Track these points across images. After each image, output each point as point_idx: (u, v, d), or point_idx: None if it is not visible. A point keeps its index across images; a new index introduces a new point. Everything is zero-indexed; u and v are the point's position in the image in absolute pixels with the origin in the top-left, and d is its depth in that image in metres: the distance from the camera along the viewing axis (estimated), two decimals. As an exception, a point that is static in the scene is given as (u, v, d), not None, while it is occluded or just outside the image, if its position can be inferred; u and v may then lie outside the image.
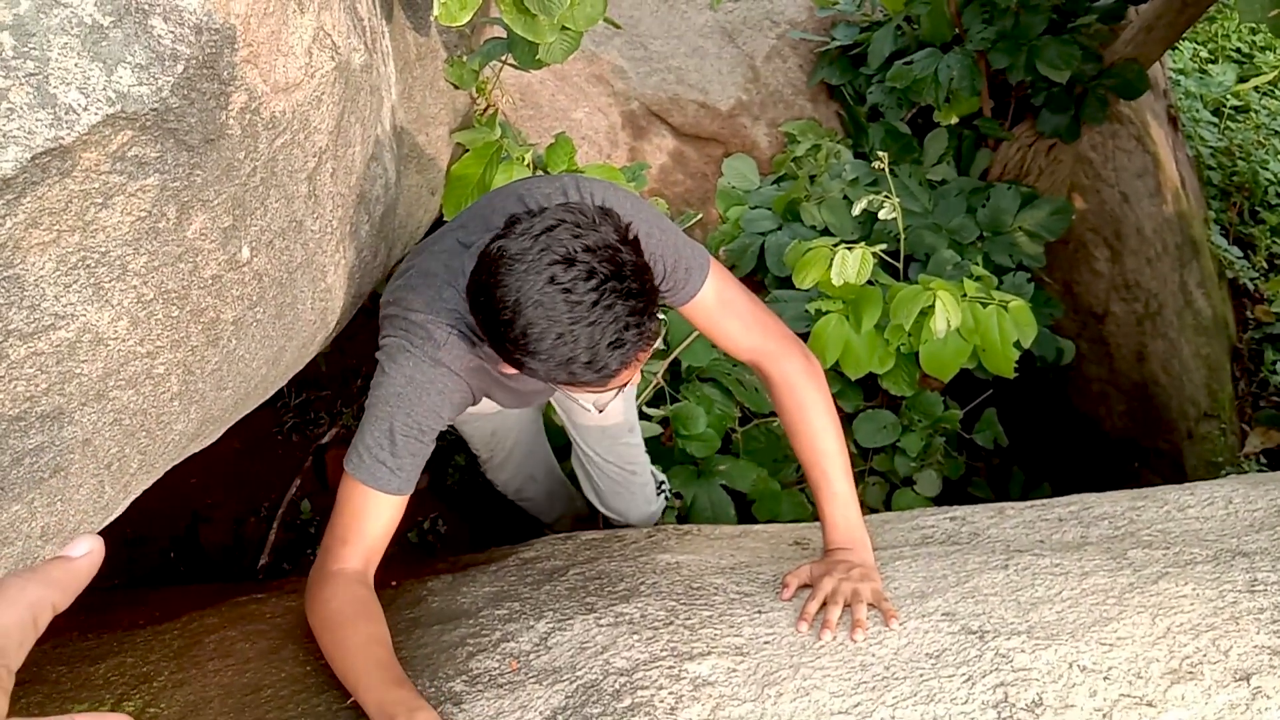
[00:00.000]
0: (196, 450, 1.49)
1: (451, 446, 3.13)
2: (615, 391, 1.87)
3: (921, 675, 1.36)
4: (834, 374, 3.24)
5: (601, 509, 2.45)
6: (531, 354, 1.23)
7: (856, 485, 3.21)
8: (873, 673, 1.37)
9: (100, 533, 2.71)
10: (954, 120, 3.81)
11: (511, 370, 1.53)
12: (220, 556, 2.89)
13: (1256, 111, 5.72)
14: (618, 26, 2.78)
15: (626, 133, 3.73)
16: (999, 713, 1.29)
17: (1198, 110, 5.47)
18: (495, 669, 1.43)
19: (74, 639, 1.65)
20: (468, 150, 2.61)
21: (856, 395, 3.28)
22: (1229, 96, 5.85)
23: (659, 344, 2.31)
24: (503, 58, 2.48)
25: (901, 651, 1.41)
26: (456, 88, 2.54)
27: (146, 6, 0.80)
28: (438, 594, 1.69)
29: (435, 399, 1.43)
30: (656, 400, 2.97)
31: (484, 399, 1.76)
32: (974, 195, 3.60)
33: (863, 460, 3.29)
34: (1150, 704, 1.32)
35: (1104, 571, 1.62)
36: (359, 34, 1.31)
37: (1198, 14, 3.54)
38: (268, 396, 1.50)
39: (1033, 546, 1.76)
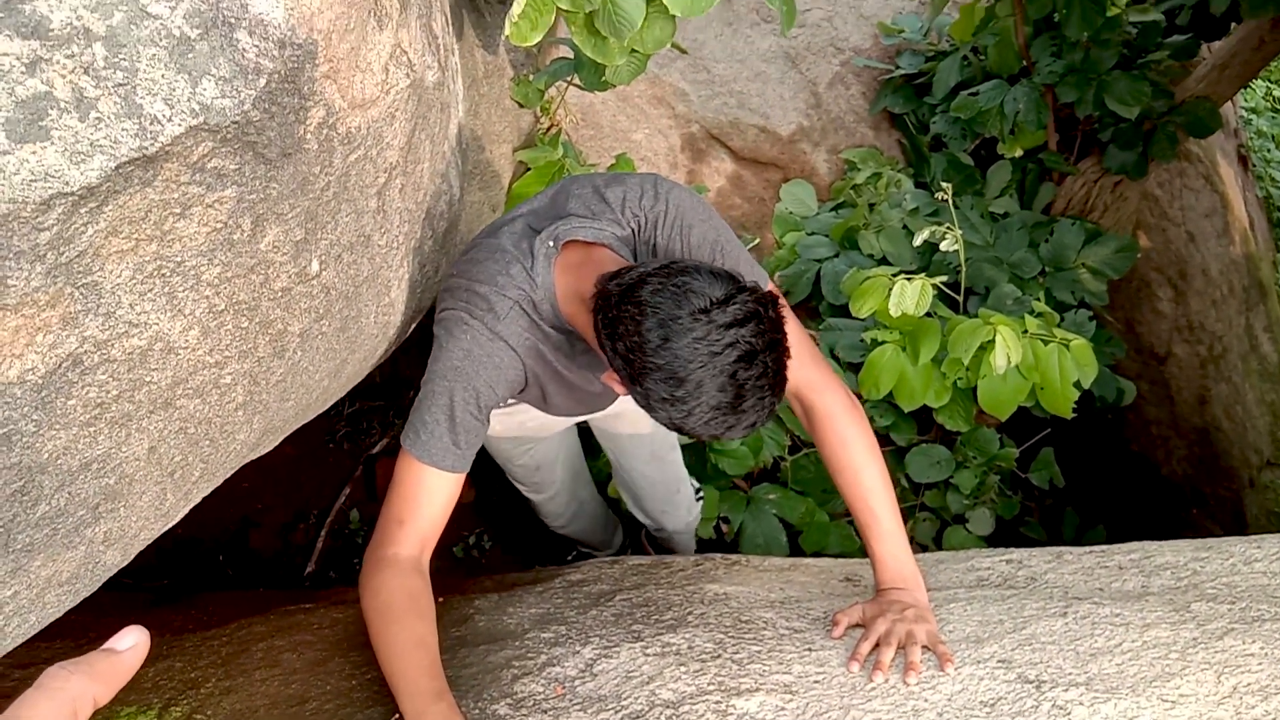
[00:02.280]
0: (253, 458, 1.50)
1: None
2: None
3: (976, 724, 1.33)
4: (888, 405, 3.21)
5: (646, 521, 2.45)
6: (676, 410, 1.26)
7: (907, 521, 3.19)
8: (925, 718, 1.33)
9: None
10: (1018, 153, 3.76)
11: (563, 371, 1.54)
12: (269, 562, 2.92)
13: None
14: (683, 51, 2.78)
15: (686, 155, 3.74)
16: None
17: (1270, 150, 5.35)
18: (540, 693, 1.41)
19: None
20: (529, 169, 2.62)
21: (910, 428, 3.23)
22: (1301, 137, 5.72)
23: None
24: (568, 78, 2.49)
25: (955, 698, 1.38)
26: (521, 106, 2.56)
27: (233, 20, 0.81)
28: (484, 613, 1.69)
29: (492, 373, 1.43)
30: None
31: (528, 407, 1.76)
32: (1036, 230, 3.55)
33: (914, 495, 3.23)
34: (1216, 768, 1.27)
35: (1166, 624, 1.57)
36: (433, 51, 1.32)
37: (1274, 52, 3.46)
38: (327, 407, 1.51)
39: (1092, 594, 1.71)
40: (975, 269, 3.39)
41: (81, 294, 0.79)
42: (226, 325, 0.98)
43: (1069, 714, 1.34)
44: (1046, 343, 2.81)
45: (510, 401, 1.86)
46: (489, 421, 1.47)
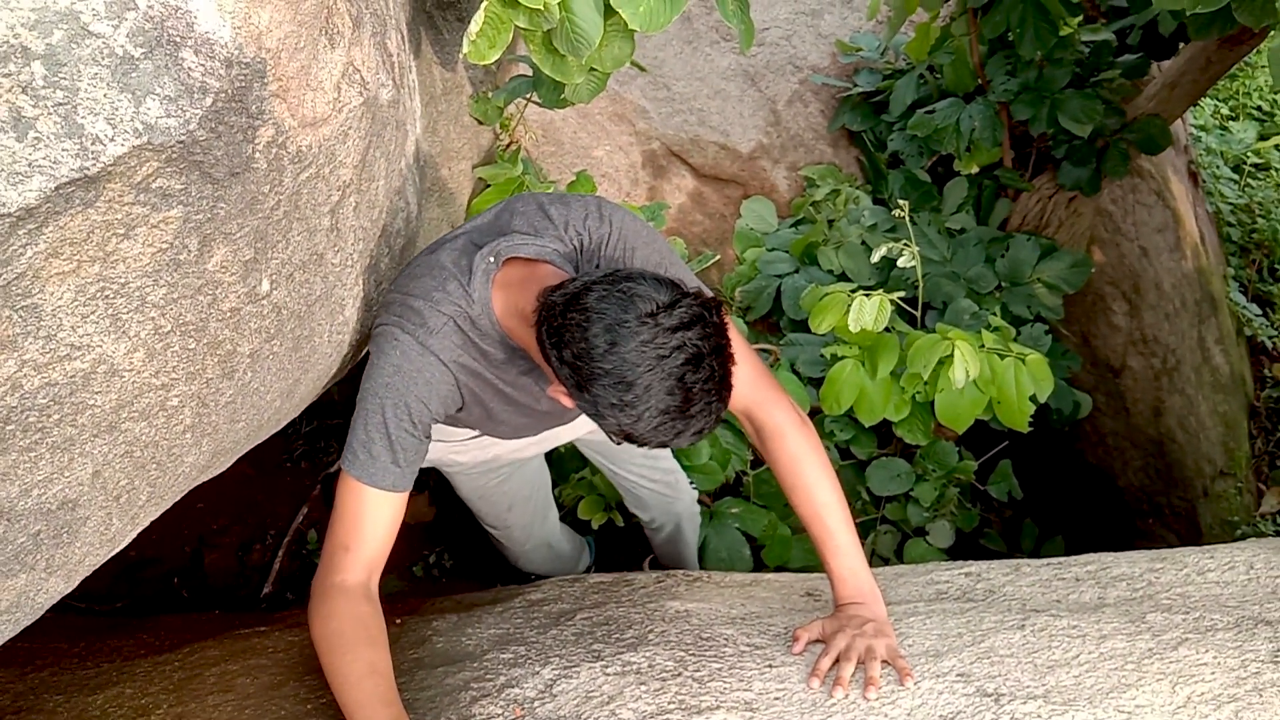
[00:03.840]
0: (205, 480, 1.48)
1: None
2: None
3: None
4: (848, 420, 3.22)
5: (654, 517, 2.51)
6: (625, 415, 1.25)
7: (868, 534, 3.20)
8: (884, 738, 1.34)
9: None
10: (974, 170, 3.81)
11: (504, 388, 1.53)
12: (224, 583, 2.87)
13: (1277, 169, 5.71)
14: (643, 69, 2.79)
15: (647, 172, 3.74)
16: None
17: (1218, 167, 5.47)
18: (498, 715, 1.40)
19: (73, 667, 1.63)
20: (489, 185, 2.61)
21: (870, 442, 3.25)
22: (1250, 154, 5.85)
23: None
24: (527, 95, 2.49)
25: (915, 712, 1.38)
26: (480, 123, 2.55)
27: (178, 39, 0.80)
28: (442, 634, 1.67)
29: (423, 389, 1.41)
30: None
31: (479, 433, 1.74)
32: (993, 245, 3.59)
33: (875, 508, 3.25)
34: (1171, 778, 1.28)
35: (1122, 635, 1.58)
36: (387, 70, 1.31)
37: (1221, 71, 3.54)
38: (280, 427, 1.49)
39: (1049, 606, 1.72)
40: (933, 284, 3.43)
41: (20, 316, 0.77)
42: (173, 347, 0.96)
43: (1027, 727, 1.35)
44: (1003, 357, 2.84)
45: (469, 434, 1.85)
46: (429, 436, 1.46)
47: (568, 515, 2.83)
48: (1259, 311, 5.22)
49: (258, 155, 0.95)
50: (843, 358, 2.94)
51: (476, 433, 1.78)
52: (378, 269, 1.60)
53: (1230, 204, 5.35)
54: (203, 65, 0.83)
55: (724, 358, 1.30)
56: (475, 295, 1.44)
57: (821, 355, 3.09)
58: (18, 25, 0.70)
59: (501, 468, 2.06)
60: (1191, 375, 4.36)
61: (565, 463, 2.92)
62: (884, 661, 1.46)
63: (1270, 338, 5.20)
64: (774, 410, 1.62)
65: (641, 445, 1.33)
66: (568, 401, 1.36)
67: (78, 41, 0.74)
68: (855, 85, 3.97)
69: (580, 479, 2.85)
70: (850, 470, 3.27)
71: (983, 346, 2.84)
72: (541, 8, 1.69)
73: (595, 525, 2.82)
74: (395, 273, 1.82)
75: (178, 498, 1.24)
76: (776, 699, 1.40)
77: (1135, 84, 3.81)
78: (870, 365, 2.93)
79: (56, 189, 0.74)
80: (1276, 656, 1.53)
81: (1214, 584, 1.84)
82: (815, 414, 3.13)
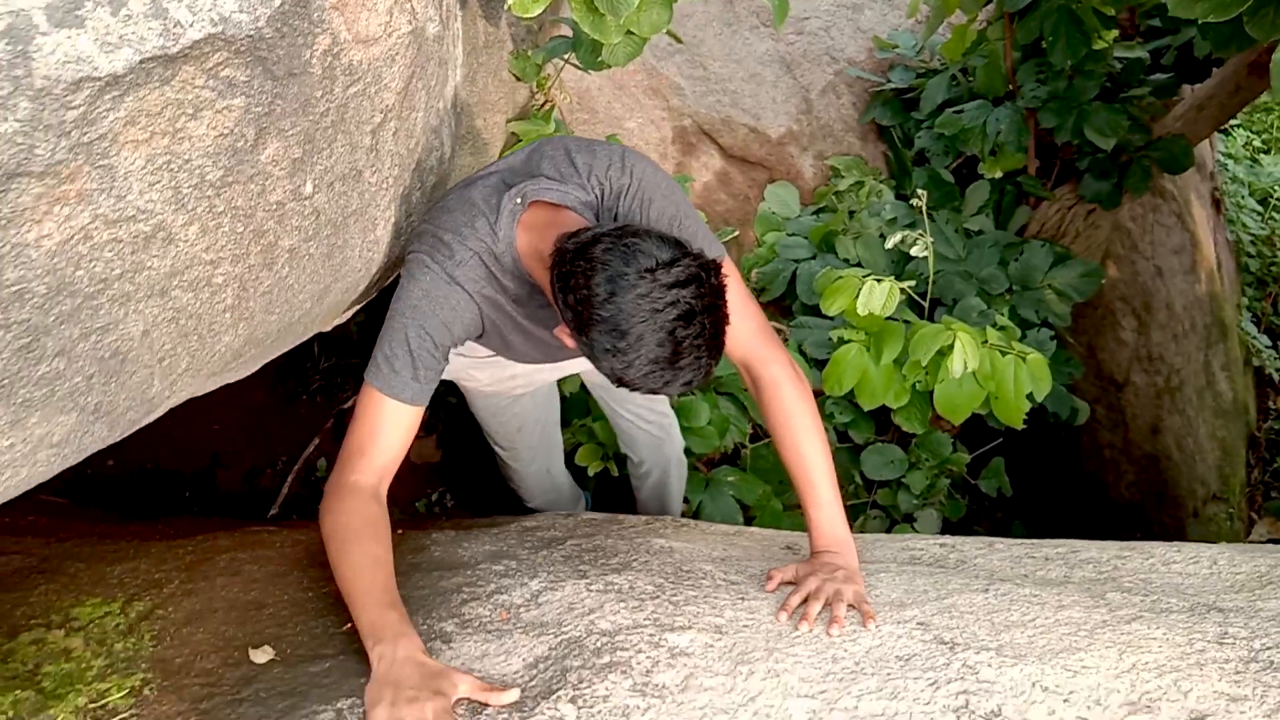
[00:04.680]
0: (233, 379, 1.58)
1: (464, 425, 3.22)
2: None
3: (889, 674, 1.42)
4: (848, 403, 3.31)
5: (644, 457, 2.60)
6: (618, 360, 1.35)
7: (858, 517, 3.28)
8: (842, 665, 1.43)
9: (121, 459, 2.77)
10: (998, 174, 3.87)
11: (521, 320, 1.63)
12: (233, 502, 2.99)
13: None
14: (679, 41, 2.87)
15: (676, 147, 3.83)
16: (958, 716, 1.35)
17: (1243, 196, 5.50)
18: (486, 616, 1.50)
19: (94, 542, 1.74)
20: (520, 140, 2.70)
21: (868, 427, 3.34)
22: (1277, 187, 5.88)
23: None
24: (566, 56, 2.58)
25: (873, 651, 1.47)
26: (518, 79, 2.64)
27: None
28: (440, 545, 1.77)
29: (448, 314, 1.51)
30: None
31: (498, 356, 1.84)
32: (1008, 249, 3.66)
33: (867, 492, 3.34)
34: (1108, 731, 1.37)
35: (1080, 607, 1.67)
36: (436, 6, 1.41)
37: (1250, 98, 3.59)
38: (307, 336, 1.59)
39: (1016, 577, 1.81)
40: (945, 281, 3.50)
41: (98, 174, 0.87)
42: (224, 227, 1.06)
43: (977, 673, 1.44)
44: (1005, 354, 2.92)
45: (488, 354, 1.94)
46: (447, 359, 1.55)
47: (568, 462, 2.93)
48: (1269, 343, 5.27)
49: (314, 61, 1.05)
50: (848, 341, 3.03)
51: (493, 353, 1.88)
52: (409, 199, 1.70)
53: (1251, 235, 5.39)
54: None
55: (717, 317, 1.38)
56: (501, 234, 1.54)
57: (829, 338, 3.17)
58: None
59: (516, 388, 2.16)
60: (1194, 397, 4.42)
61: (570, 409, 3.02)
62: (850, 605, 1.55)
63: (1278, 369, 5.25)
64: (772, 365, 1.71)
65: (632, 390, 1.42)
66: (570, 342, 1.46)
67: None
68: (889, 81, 4.03)
69: (582, 426, 2.95)
70: (845, 454, 3.36)
71: (985, 342, 2.92)
72: (586, -34, 1.78)
73: (592, 472, 2.92)
74: (425, 208, 1.91)
75: (209, 380, 1.34)
76: (745, 626, 1.50)
77: (1164, 103, 3.86)
78: (875, 350, 3.01)
79: (140, 62, 0.84)
80: (1223, 639, 1.61)
81: (1177, 574, 1.92)
82: (818, 395, 3.21)
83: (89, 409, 1.02)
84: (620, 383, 1.40)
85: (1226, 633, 1.63)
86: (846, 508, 1.74)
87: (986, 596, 1.68)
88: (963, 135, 3.63)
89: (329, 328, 2.01)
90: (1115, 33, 3.73)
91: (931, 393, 2.98)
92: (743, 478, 3.13)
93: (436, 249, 1.51)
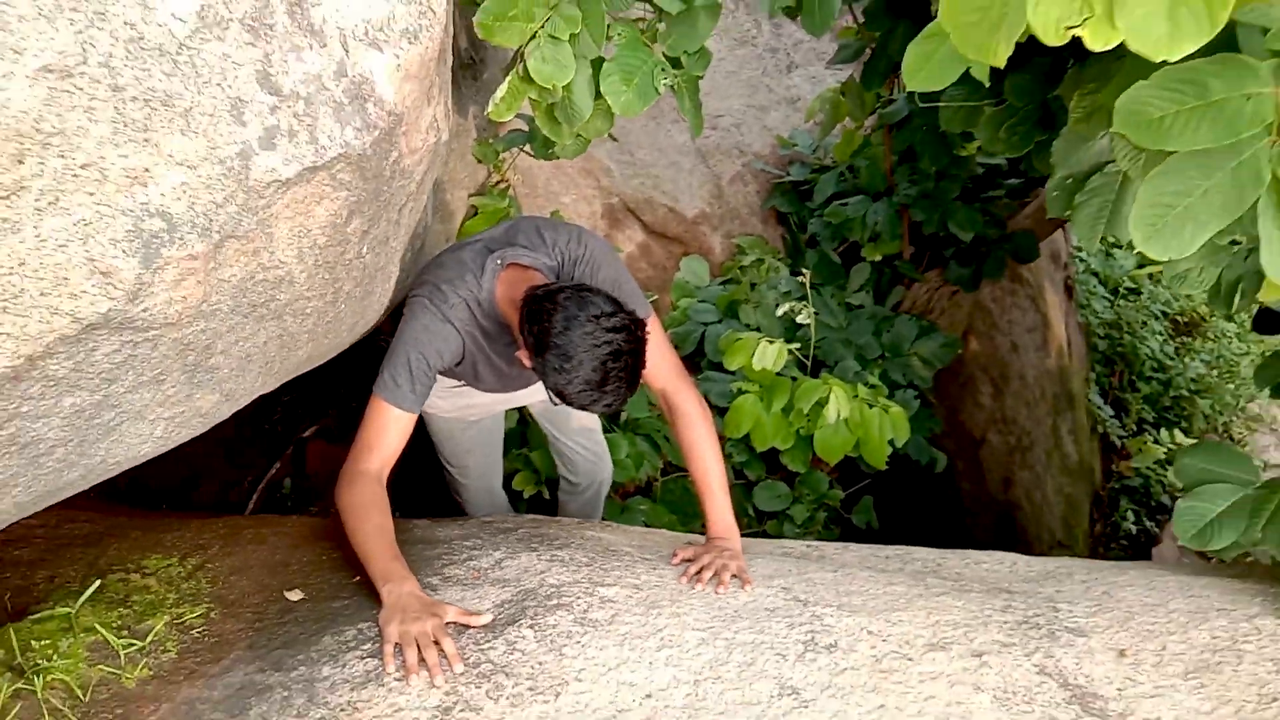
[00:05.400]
0: (293, 375, 2.04)
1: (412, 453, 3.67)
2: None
3: (758, 619, 1.95)
4: (744, 446, 3.87)
5: (574, 478, 3.08)
6: (561, 378, 1.84)
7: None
8: (725, 611, 1.96)
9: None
10: (878, 258, 4.54)
11: (490, 354, 2.13)
12: (207, 511, 3.38)
13: (1145, 295, 6.59)
14: (614, 139, 3.46)
15: (605, 221, 4.40)
16: (805, 646, 1.89)
17: (1095, 285, 6.33)
18: (461, 575, 1.99)
19: (139, 518, 2.18)
20: (478, 212, 3.24)
21: (760, 467, 3.90)
22: (1126, 278, 6.74)
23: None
24: (521, 146, 3.13)
25: (748, 604, 2.00)
26: (479, 162, 3.19)
27: (367, 95, 1.41)
28: (420, 529, 2.25)
29: (440, 344, 2.00)
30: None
31: (465, 387, 2.35)
32: (883, 322, 4.31)
33: (757, 523, 3.89)
34: (909, 659, 1.92)
35: (904, 585, 2.23)
36: (445, 119, 1.93)
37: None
38: (338, 351, 2.06)
39: (860, 566, 2.37)
40: (828, 346, 4.12)
41: (264, 238, 1.35)
42: (319, 276, 1.54)
43: (822, 620, 1.98)
44: (871, 406, 3.53)
45: (455, 384, 2.44)
46: (435, 379, 2.04)
47: (505, 486, 3.41)
48: (1113, 414, 6.04)
49: (387, 168, 1.56)
50: (745, 392, 3.61)
51: (461, 383, 2.38)
52: (404, 259, 2.20)
53: (1100, 319, 6.20)
54: (376, 112, 1.43)
55: (638, 361, 1.89)
56: (484, 286, 2.05)
57: (730, 390, 3.74)
58: (296, 82, 1.30)
59: (470, 415, 2.64)
60: (1042, 456, 5.12)
61: (508, 441, 3.50)
62: (734, 575, 2.08)
63: (1120, 437, 6.02)
64: (684, 397, 2.25)
65: (568, 405, 1.92)
66: (527, 362, 1.96)
67: (320, 92, 1.34)
68: (788, 174, 4.70)
69: (519, 455, 3.45)
70: (740, 490, 3.91)
71: (856, 396, 3.53)
72: (552, 88, 2.34)
73: (526, 495, 3.41)
74: (411, 266, 2.42)
75: (281, 380, 1.80)
76: (656, 585, 2.02)
77: (1018, 203, 4.60)
78: (767, 401, 3.59)
79: (300, 171, 1.33)
80: (1005, 609, 2.18)
81: (984, 570, 2.51)
82: (720, 438, 3.77)
83: (224, 392, 1.48)
84: (561, 397, 1.90)
85: (1010, 605, 2.21)
86: (741, 535, 2.27)
87: (835, 575, 2.23)
88: (847, 224, 4.29)
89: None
90: (976, 144, 4.47)
91: (812, 437, 3.56)
92: (653, 507, 3.65)
93: (434, 295, 2.02)
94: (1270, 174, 1.50)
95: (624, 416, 3.71)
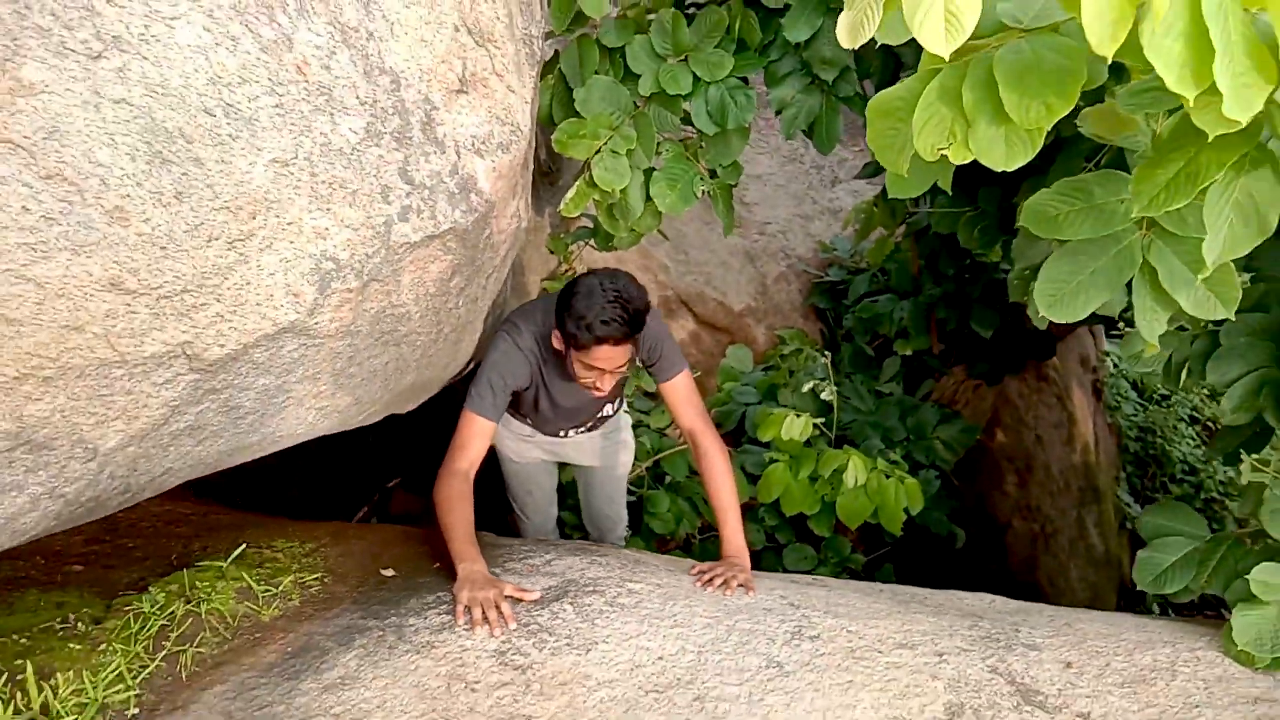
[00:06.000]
0: (386, 414, 2.59)
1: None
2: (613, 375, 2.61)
3: (755, 614, 2.40)
4: (774, 511, 4.31)
5: (592, 532, 3.53)
6: (581, 321, 2.28)
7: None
8: (728, 607, 2.41)
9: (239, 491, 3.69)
10: (908, 352, 5.01)
11: (548, 379, 2.62)
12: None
13: (1175, 400, 6.90)
14: (666, 237, 4.04)
15: (660, 311, 4.97)
16: (792, 635, 2.32)
17: (1127, 390, 6.67)
18: (518, 568, 2.48)
19: (237, 515, 2.72)
20: (548, 292, 3.82)
21: (789, 532, 4.33)
22: (1159, 386, 7.06)
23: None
24: (587, 240, 3.73)
25: (748, 604, 2.45)
26: (551, 253, 3.79)
27: (471, 186, 1.98)
28: (488, 538, 2.76)
29: (515, 367, 2.52)
30: (640, 483, 4.06)
31: (530, 431, 2.87)
32: (909, 408, 4.75)
33: (787, 583, 4.28)
34: (879, 651, 2.34)
35: (887, 605, 2.65)
36: (526, 211, 2.51)
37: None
38: (429, 394, 2.60)
39: (852, 590, 2.80)
40: (858, 428, 4.57)
41: (394, 284, 1.90)
42: (428, 317, 2.09)
43: (809, 619, 2.42)
44: (888, 476, 3.96)
45: (523, 429, 2.97)
46: (510, 396, 2.55)
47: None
48: (1141, 512, 6.30)
49: (482, 240, 2.12)
50: (775, 461, 4.07)
51: (527, 423, 2.90)
52: (487, 321, 2.77)
53: (1131, 421, 6.52)
54: (477, 199, 2.00)
55: (638, 308, 2.33)
56: (547, 324, 2.58)
57: (764, 459, 4.21)
58: (426, 173, 1.87)
59: (531, 463, 3.17)
60: (1066, 544, 5.42)
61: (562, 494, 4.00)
62: (741, 585, 2.54)
63: (1151, 536, 6.25)
64: (706, 437, 2.74)
65: (587, 337, 2.31)
66: (558, 344, 2.44)
67: (441, 183, 1.91)
68: (827, 275, 5.24)
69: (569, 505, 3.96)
70: (772, 554, 4.33)
71: (875, 468, 3.97)
72: (611, 191, 2.93)
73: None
74: (491, 330, 2.99)
75: (392, 401, 2.34)
76: (674, 585, 2.48)
77: (1036, 308, 5.04)
78: (794, 469, 4.05)
79: (423, 238, 1.89)
80: (972, 627, 2.58)
81: (964, 603, 2.90)
82: (754, 503, 4.22)
83: (355, 396, 2.02)
84: (582, 331, 2.29)
85: (977, 624, 2.62)
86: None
87: (828, 592, 2.67)
88: (877, 319, 4.79)
89: (414, 405, 3.03)
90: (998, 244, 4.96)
91: (835, 504, 3.99)
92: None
93: (511, 329, 2.56)
94: (1141, 258, 1.99)
95: (667, 479, 4.20)
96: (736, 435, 4.76)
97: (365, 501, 4.21)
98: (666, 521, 3.96)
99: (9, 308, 1.34)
